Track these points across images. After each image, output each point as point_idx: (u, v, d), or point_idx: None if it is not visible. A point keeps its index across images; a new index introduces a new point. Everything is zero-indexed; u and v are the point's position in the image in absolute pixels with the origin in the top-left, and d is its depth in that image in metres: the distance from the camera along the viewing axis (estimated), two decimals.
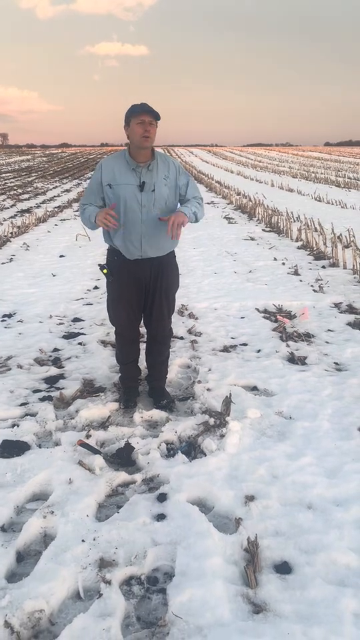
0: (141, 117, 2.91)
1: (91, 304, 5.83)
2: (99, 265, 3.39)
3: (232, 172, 29.77)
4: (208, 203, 15.18)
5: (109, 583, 2.02)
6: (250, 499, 2.51)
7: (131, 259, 3.14)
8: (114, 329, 3.56)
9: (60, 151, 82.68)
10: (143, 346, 3.72)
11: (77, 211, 13.71)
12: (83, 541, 2.24)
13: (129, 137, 3.00)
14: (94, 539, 2.25)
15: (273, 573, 2.10)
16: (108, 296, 3.40)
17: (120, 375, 3.67)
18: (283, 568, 2.12)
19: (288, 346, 4.45)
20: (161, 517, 2.40)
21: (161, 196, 3.06)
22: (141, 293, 3.25)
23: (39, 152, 75.73)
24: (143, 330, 3.58)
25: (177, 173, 3.14)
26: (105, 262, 3.36)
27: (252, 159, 45.23)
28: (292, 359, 4.18)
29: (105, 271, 3.26)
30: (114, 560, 2.15)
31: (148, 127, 2.92)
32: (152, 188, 3.03)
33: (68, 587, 2.03)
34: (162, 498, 2.53)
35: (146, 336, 3.57)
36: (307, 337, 4.68)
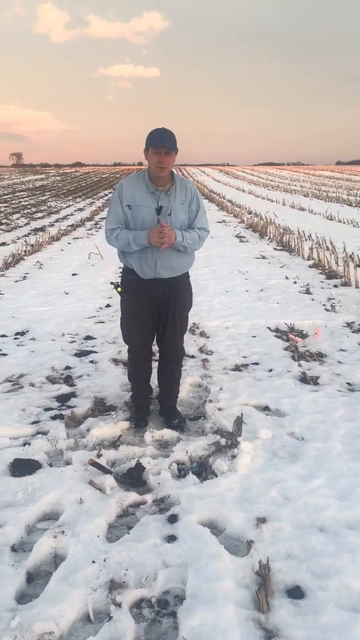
0: (158, 147, 2.96)
1: (103, 322, 5.86)
2: (113, 283, 3.42)
3: (243, 191, 29.98)
4: (219, 222, 15.28)
5: (119, 605, 2.00)
6: (261, 521, 2.48)
7: (145, 279, 3.17)
8: (126, 347, 3.58)
9: (73, 170, 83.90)
10: (154, 364, 3.73)
11: (89, 229, 13.87)
12: (93, 561, 2.23)
13: (147, 161, 3.06)
14: (104, 560, 2.24)
15: (285, 597, 2.07)
16: (122, 314, 3.43)
17: (131, 393, 3.68)
18: (295, 592, 2.09)
19: (300, 365, 4.43)
20: (171, 539, 2.38)
21: (177, 220, 3.10)
22: (155, 312, 3.27)
23: (52, 171, 76.92)
24: (155, 348, 3.59)
25: (192, 199, 3.19)
26: (118, 280, 3.39)
27: (263, 178, 45.54)
28: (304, 379, 4.16)
29: (119, 289, 3.29)
30: (124, 582, 2.13)
31: (164, 158, 2.96)
32: (169, 212, 3.07)
33: (78, 609, 2.02)
34: (173, 519, 2.52)
35: (158, 355, 3.58)
36: (319, 357, 4.66)
